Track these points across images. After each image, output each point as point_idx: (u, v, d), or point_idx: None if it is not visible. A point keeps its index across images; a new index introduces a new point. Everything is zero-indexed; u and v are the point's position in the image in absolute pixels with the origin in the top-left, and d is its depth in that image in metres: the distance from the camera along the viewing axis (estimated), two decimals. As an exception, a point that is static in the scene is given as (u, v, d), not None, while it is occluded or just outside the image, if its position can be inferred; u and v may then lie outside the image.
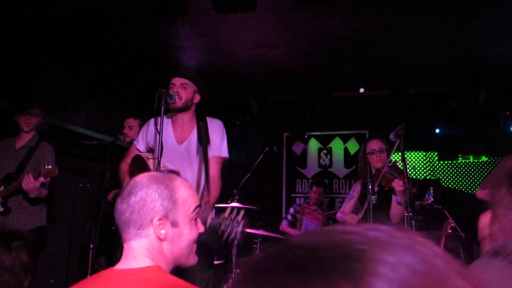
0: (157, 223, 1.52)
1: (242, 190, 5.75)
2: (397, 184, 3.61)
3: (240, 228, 2.50)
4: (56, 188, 6.19)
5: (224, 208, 2.59)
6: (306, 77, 6.72)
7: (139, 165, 3.07)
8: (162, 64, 5.96)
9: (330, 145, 7.89)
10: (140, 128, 4.57)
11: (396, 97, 6.80)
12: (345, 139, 7.83)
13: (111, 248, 4.25)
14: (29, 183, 3.93)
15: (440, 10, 4.70)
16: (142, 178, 1.56)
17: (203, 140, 3.12)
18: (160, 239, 1.51)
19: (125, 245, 1.51)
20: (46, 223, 4.36)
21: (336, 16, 4.82)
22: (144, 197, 1.52)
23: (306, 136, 7.93)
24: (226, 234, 2.48)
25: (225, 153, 3.27)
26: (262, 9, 4.49)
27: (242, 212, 2.56)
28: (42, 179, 3.96)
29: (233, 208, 2.58)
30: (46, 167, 4.08)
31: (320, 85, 6.95)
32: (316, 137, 7.96)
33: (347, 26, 5.03)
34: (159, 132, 2.93)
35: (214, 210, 2.92)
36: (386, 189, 3.79)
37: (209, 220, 2.66)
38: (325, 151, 7.90)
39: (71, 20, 4.76)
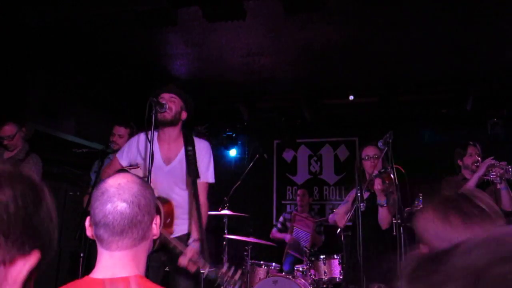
0: (155, 223, 1.51)
1: (233, 198, 5.76)
2: (375, 183, 3.74)
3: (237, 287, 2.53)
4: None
5: (222, 262, 2.64)
6: (296, 85, 6.76)
7: None
8: (152, 72, 5.97)
9: (320, 152, 7.92)
10: (129, 138, 4.58)
11: (385, 104, 6.86)
12: (335, 146, 7.86)
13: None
14: None
15: (428, 19, 4.76)
16: (128, 178, 1.48)
17: (192, 171, 3.14)
18: (147, 241, 1.49)
19: (114, 253, 1.42)
20: None
21: (325, 25, 4.86)
22: (149, 198, 1.48)
23: (296, 143, 7.95)
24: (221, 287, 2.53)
25: (211, 179, 3.31)
26: (252, 17, 4.52)
27: (239, 272, 2.59)
28: None
29: (230, 266, 2.62)
30: None
31: (310, 92, 6.99)
32: (306, 144, 7.99)
33: (336, 34, 5.08)
34: (150, 141, 2.93)
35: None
36: (372, 191, 3.88)
37: (206, 270, 2.68)
38: (315, 158, 7.93)
39: (62, 28, 4.76)
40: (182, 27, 4.72)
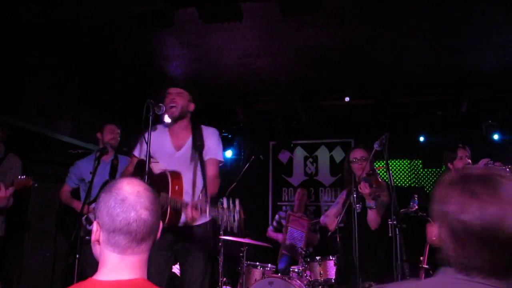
0: (159, 227, 1.51)
1: (228, 199, 5.74)
2: (362, 187, 3.74)
3: (237, 216, 2.59)
4: (41, 197, 6.15)
5: (221, 202, 2.69)
6: (292, 86, 6.77)
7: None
8: (149, 73, 5.97)
9: (316, 153, 7.94)
10: (119, 136, 4.70)
11: (381, 106, 6.88)
12: (330, 147, 7.88)
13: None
14: (1, 192, 4.04)
15: (423, 22, 4.79)
16: (142, 184, 1.50)
17: (198, 146, 3.28)
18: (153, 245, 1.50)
19: (126, 257, 1.41)
20: (4, 234, 4.39)
21: (322, 27, 4.88)
22: (159, 204, 1.50)
23: (292, 145, 7.96)
24: (227, 224, 2.58)
25: (220, 157, 3.44)
26: (249, 19, 4.53)
27: (237, 200, 2.64)
28: (11, 189, 4.06)
29: (228, 198, 2.66)
30: (20, 177, 4.11)
31: (306, 94, 7.00)
32: (302, 145, 8.00)
33: (333, 36, 5.10)
34: (147, 142, 2.98)
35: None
36: (360, 195, 3.90)
37: (208, 210, 2.73)
38: (311, 160, 7.94)
39: (58, 29, 4.75)
40: (178, 28, 4.72)
